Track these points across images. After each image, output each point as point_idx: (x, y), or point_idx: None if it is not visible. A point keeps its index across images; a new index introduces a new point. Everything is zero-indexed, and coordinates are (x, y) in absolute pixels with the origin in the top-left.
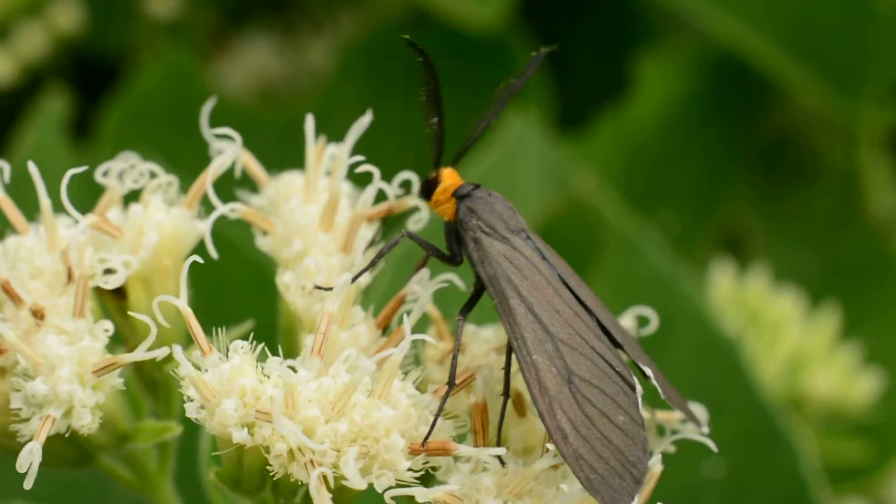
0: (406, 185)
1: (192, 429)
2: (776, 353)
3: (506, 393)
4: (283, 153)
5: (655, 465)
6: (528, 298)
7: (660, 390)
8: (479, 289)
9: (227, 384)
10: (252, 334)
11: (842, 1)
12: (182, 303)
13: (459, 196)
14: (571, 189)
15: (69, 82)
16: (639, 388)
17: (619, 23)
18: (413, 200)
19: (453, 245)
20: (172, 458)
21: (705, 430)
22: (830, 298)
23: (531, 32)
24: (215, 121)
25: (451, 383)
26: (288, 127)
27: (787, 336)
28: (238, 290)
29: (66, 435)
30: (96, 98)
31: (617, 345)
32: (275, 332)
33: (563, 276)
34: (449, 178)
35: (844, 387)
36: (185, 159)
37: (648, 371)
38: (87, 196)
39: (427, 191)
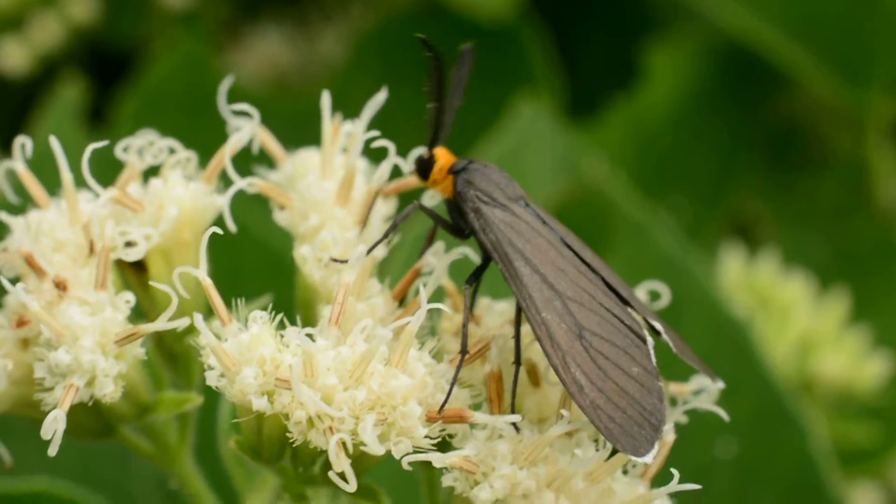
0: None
1: (210, 403)
2: (786, 336)
3: (517, 361)
4: (295, 142)
5: (668, 435)
6: (533, 260)
7: (672, 345)
8: (486, 259)
9: (247, 353)
10: (270, 307)
11: None
12: (202, 273)
13: (456, 171)
14: (582, 175)
15: (84, 72)
16: (649, 339)
17: (630, 12)
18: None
19: (457, 219)
20: (192, 431)
21: (720, 384)
22: (839, 284)
23: (541, 22)
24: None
25: (463, 351)
26: (300, 116)
27: (796, 319)
28: (252, 273)
29: (89, 405)
30: (111, 87)
31: (625, 302)
32: (289, 313)
33: (565, 239)
34: (443, 156)
35: (854, 370)
36: (200, 148)
37: (659, 326)
38: (102, 179)
39: (424, 171)
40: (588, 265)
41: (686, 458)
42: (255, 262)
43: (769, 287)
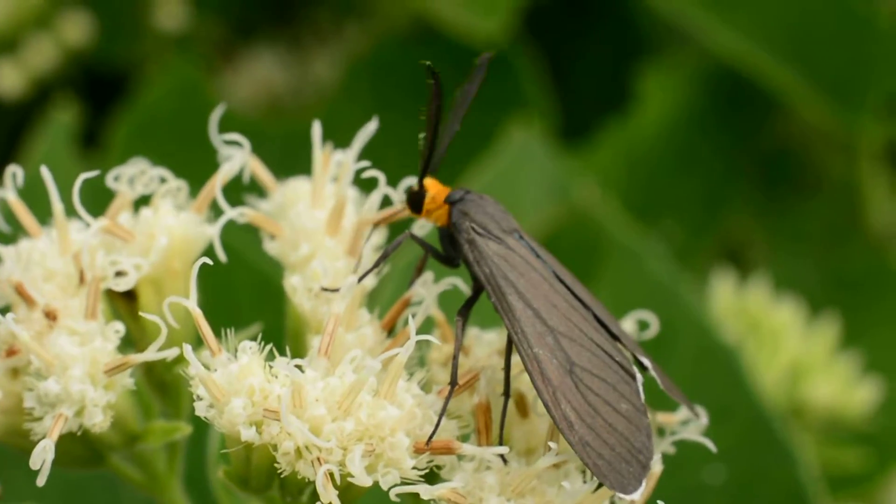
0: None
1: (200, 432)
2: (776, 361)
3: (506, 392)
4: (288, 165)
5: (655, 466)
6: (526, 294)
7: (658, 381)
8: (477, 290)
9: (236, 383)
10: (260, 337)
11: (842, 15)
12: (192, 304)
13: (452, 201)
14: (573, 199)
15: (78, 94)
16: (639, 376)
17: (622, 36)
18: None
19: (449, 249)
20: (181, 459)
21: (704, 420)
22: (830, 309)
23: (534, 46)
24: (222, 132)
25: (452, 383)
26: (293, 139)
27: (787, 345)
28: (244, 299)
29: (78, 434)
30: (104, 110)
31: (614, 337)
32: (280, 339)
33: (558, 273)
34: (433, 186)
35: (844, 395)
36: (193, 171)
37: (647, 362)
38: (94, 206)
39: (416, 203)
40: (579, 299)
41: (674, 484)
42: (246, 286)
43: (760, 312)
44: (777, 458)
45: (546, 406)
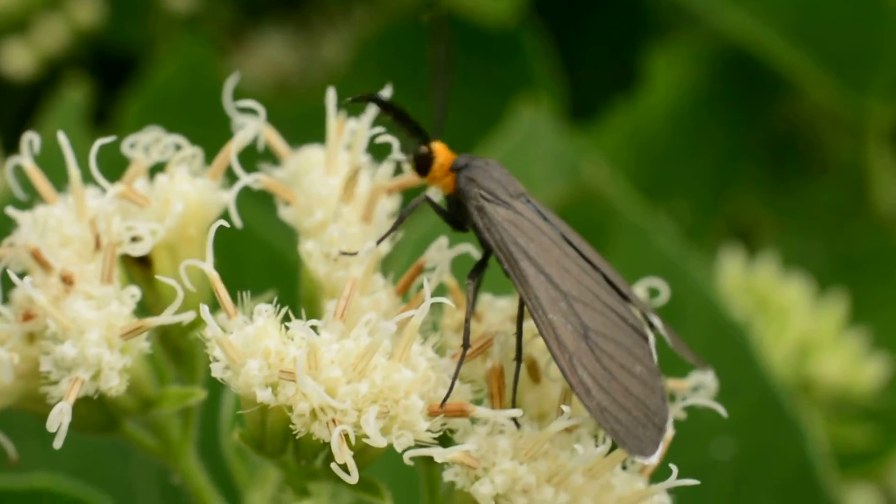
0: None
1: (213, 401)
2: (785, 338)
3: (518, 358)
4: (297, 146)
5: (668, 430)
6: (537, 260)
7: (668, 340)
8: (486, 255)
9: (252, 345)
10: (275, 301)
11: None
12: (208, 267)
13: (457, 168)
14: (582, 178)
15: (88, 74)
16: (651, 337)
17: (630, 17)
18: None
19: (457, 214)
20: (195, 427)
21: (712, 381)
22: (838, 288)
23: (543, 27)
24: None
25: (465, 345)
26: (302, 120)
27: (795, 322)
28: (255, 273)
29: (95, 398)
30: (115, 90)
31: (624, 298)
32: (293, 311)
33: (566, 235)
34: (442, 152)
35: (852, 372)
36: (203, 150)
37: (657, 321)
38: (107, 179)
39: (423, 167)
40: (589, 261)
41: (683, 459)
42: (258, 264)
43: (768, 290)
44: (786, 434)
45: (563, 372)
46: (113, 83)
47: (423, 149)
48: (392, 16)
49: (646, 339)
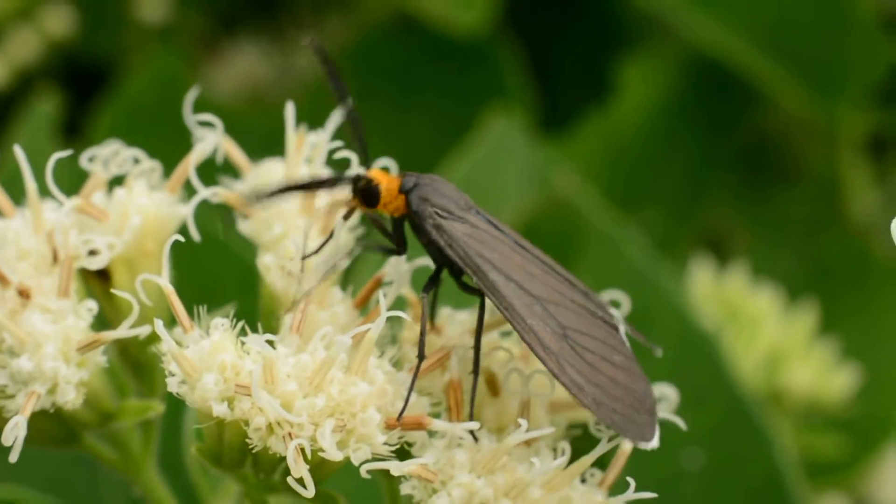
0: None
1: (175, 416)
2: (755, 347)
3: (476, 371)
4: (270, 157)
5: (625, 444)
6: (503, 268)
7: (624, 327)
8: (439, 267)
9: (208, 359)
10: (232, 314)
11: (821, 5)
12: (164, 281)
13: (407, 189)
14: (552, 187)
15: (60, 86)
16: (621, 326)
17: (603, 27)
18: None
19: (401, 237)
20: (156, 439)
21: (660, 352)
22: (810, 297)
23: (515, 37)
24: (204, 123)
25: (420, 356)
26: (275, 131)
27: (765, 331)
28: (226, 286)
29: (52, 412)
30: (87, 101)
31: (584, 294)
32: (257, 324)
33: (518, 241)
34: (382, 178)
35: (822, 381)
36: (175, 161)
37: (615, 312)
38: (73, 191)
39: (372, 197)
40: (545, 263)
41: (652, 469)
42: (229, 277)
43: (738, 299)
44: (755, 444)
45: (552, 373)
46: (85, 94)
47: (364, 179)
48: (365, 26)
49: (616, 328)
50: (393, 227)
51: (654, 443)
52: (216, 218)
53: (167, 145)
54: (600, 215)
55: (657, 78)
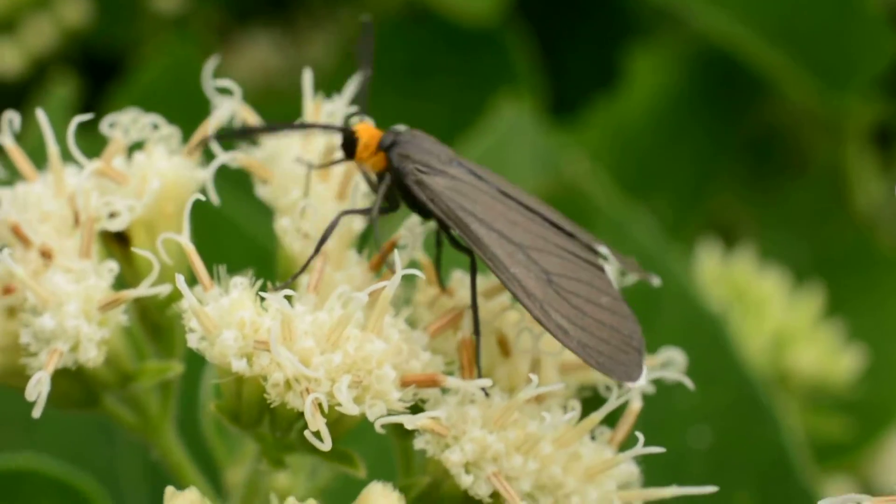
0: None
1: (192, 380)
2: (761, 329)
3: (476, 330)
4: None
5: (634, 401)
6: (485, 219)
7: (618, 262)
8: (426, 218)
9: (227, 316)
10: (251, 275)
11: None
12: (184, 239)
13: (386, 146)
14: (562, 173)
15: (75, 73)
16: (607, 266)
17: (612, 17)
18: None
19: (392, 193)
20: (174, 403)
21: (657, 281)
22: (815, 282)
23: (526, 26)
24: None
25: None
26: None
27: (772, 313)
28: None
29: (73, 371)
30: (101, 90)
31: (570, 235)
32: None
33: (503, 188)
34: (365, 132)
35: (828, 363)
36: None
37: (603, 249)
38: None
39: (349, 148)
40: (530, 209)
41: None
42: (239, 256)
43: (745, 281)
44: (761, 424)
45: (537, 320)
46: (100, 83)
47: (347, 131)
48: (377, 17)
49: (602, 270)
50: (378, 185)
51: (642, 381)
52: (230, 198)
53: (181, 133)
54: (609, 200)
55: (666, 67)
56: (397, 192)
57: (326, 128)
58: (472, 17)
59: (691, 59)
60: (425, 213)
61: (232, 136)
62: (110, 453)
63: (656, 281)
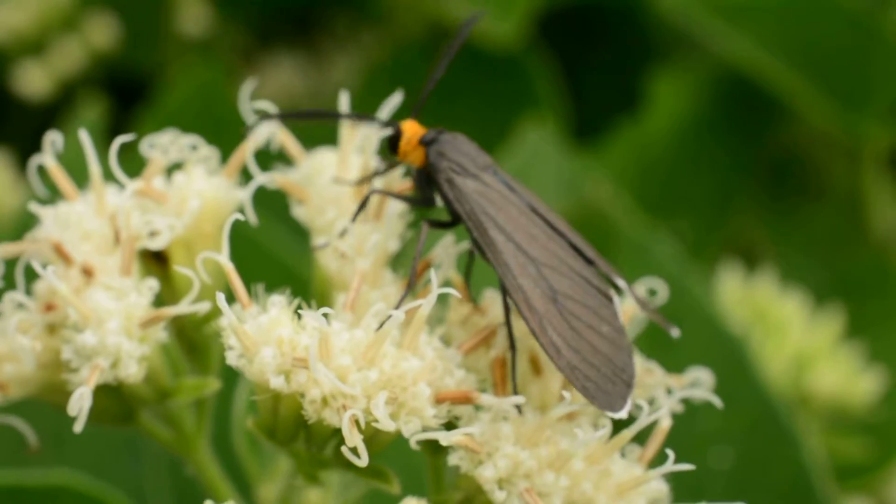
0: None
1: (225, 397)
2: (782, 351)
3: (512, 345)
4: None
5: (664, 420)
6: (506, 228)
7: (635, 300)
8: (454, 220)
9: (266, 334)
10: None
11: (848, 22)
12: (224, 258)
13: (427, 142)
14: (585, 196)
15: (103, 95)
16: (616, 298)
17: (633, 41)
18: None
19: (426, 189)
20: (209, 419)
21: (677, 332)
22: (834, 304)
23: (548, 50)
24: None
25: (410, 283)
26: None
27: (792, 335)
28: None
29: (113, 387)
30: (128, 112)
31: (590, 262)
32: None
33: (533, 205)
34: (410, 128)
35: (848, 385)
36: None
37: (622, 283)
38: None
39: (392, 143)
40: (555, 229)
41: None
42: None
43: (766, 303)
44: (783, 445)
45: (533, 333)
46: (126, 105)
47: (393, 123)
48: (400, 39)
49: (610, 299)
50: (416, 179)
51: (623, 413)
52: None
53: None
54: (632, 223)
55: (686, 91)
56: (429, 187)
57: (373, 120)
58: (495, 41)
59: (711, 83)
60: (453, 213)
61: (278, 116)
62: (136, 469)
63: (675, 332)
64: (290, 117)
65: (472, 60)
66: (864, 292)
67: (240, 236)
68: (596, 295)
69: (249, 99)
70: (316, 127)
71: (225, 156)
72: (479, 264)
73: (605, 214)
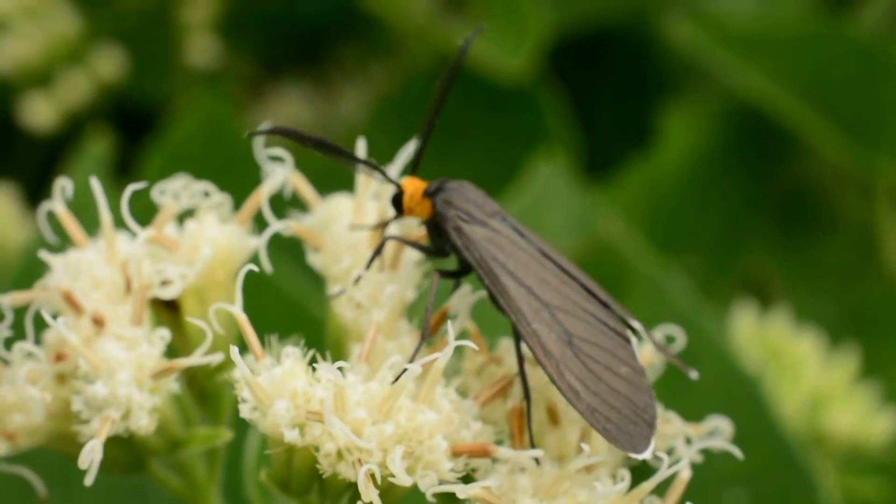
0: None
1: (236, 443)
2: (797, 390)
3: (527, 396)
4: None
5: (684, 471)
6: (517, 274)
7: (651, 342)
8: (465, 268)
9: (280, 386)
10: (302, 344)
11: (860, 56)
12: (237, 309)
13: (432, 192)
14: (598, 232)
15: (110, 128)
16: (633, 339)
17: (644, 75)
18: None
19: (437, 240)
20: (220, 467)
21: (695, 375)
22: (849, 343)
23: (559, 83)
24: (252, 167)
25: (424, 334)
26: (321, 176)
27: (807, 374)
28: (275, 326)
29: (124, 438)
30: (135, 144)
31: (604, 305)
32: (314, 361)
33: (543, 249)
34: (411, 184)
35: (864, 425)
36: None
37: (637, 325)
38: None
39: (396, 202)
40: (567, 272)
41: None
42: (278, 317)
43: (780, 342)
44: (798, 485)
45: (551, 378)
46: (133, 137)
47: (393, 182)
48: (409, 71)
49: (628, 340)
50: (427, 231)
51: (647, 454)
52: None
53: (216, 186)
54: (644, 259)
55: (698, 126)
56: (440, 237)
57: (373, 167)
58: (505, 74)
59: (723, 117)
60: (463, 261)
61: (282, 133)
62: None
63: (694, 374)
64: (301, 140)
65: (481, 93)
66: (876, 327)
67: (251, 276)
68: (613, 336)
69: (253, 129)
70: (324, 160)
71: (234, 189)
72: (492, 311)
73: (618, 251)
